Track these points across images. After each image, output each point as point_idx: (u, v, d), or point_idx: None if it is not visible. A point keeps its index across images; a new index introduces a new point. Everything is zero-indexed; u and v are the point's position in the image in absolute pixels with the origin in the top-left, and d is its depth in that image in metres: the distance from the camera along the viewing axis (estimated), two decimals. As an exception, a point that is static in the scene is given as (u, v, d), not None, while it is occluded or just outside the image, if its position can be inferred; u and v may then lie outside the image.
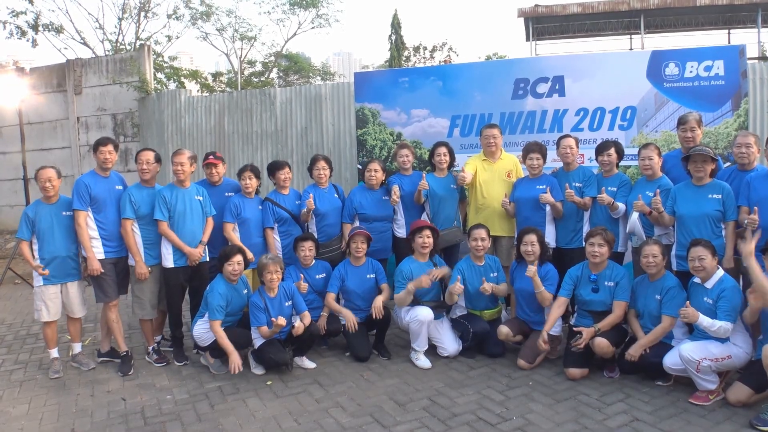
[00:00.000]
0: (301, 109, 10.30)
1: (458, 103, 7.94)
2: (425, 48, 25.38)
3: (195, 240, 6.04)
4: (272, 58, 20.88)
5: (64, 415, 4.97)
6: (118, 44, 18.40)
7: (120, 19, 18.63)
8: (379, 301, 6.03)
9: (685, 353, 4.87)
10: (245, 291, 5.96)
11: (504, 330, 5.93)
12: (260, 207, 6.56)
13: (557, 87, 7.62)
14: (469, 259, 6.24)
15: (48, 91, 13.65)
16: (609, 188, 6.08)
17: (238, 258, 5.77)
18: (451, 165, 6.84)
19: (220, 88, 18.89)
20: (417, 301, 5.97)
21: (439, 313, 6.12)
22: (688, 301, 4.91)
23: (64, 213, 5.86)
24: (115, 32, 18.82)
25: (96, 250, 5.84)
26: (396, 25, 24.13)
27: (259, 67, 20.99)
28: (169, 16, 19.12)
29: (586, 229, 6.18)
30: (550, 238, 6.35)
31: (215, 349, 5.74)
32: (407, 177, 6.81)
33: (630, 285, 5.54)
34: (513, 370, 5.72)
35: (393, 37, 24.17)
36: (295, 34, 29.07)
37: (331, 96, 10.09)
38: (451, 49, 25.34)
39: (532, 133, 7.66)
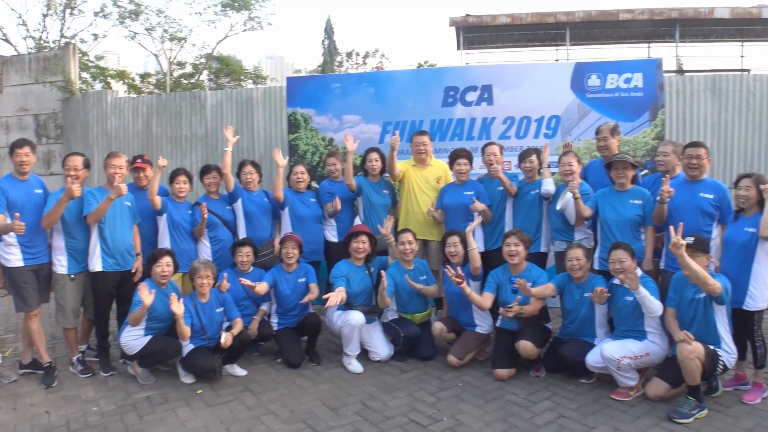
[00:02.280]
0: (232, 113, 10.16)
1: (390, 109, 8.00)
2: (358, 54, 25.61)
3: (124, 246, 5.89)
4: (203, 60, 20.56)
5: (-17, 430, 4.77)
6: (42, 42, 17.81)
7: (44, 16, 18.05)
8: (313, 290, 6.08)
9: (606, 352, 5.14)
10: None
11: (438, 326, 6.12)
12: (190, 212, 6.45)
13: (486, 96, 7.77)
14: (398, 263, 6.31)
15: (-34, 90, 13.06)
16: (532, 192, 6.34)
17: (167, 259, 5.67)
18: (383, 170, 6.90)
19: (148, 90, 18.48)
20: (349, 305, 5.98)
21: (371, 317, 6.14)
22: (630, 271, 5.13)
23: None
24: (39, 29, 18.25)
25: (14, 257, 5.60)
26: (329, 31, 24.22)
27: (189, 69, 20.63)
28: (96, 14, 18.63)
29: (508, 230, 6.34)
30: (479, 242, 6.45)
31: (143, 358, 5.60)
32: (337, 183, 6.86)
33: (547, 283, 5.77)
34: (444, 372, 5.82)
35: (326, 43, 24.24)
36: (226, 36, 28.65)
37: (263, 100, 9.99)
38: (383, 55, 25.75)
39: (461, 140, 7.79)
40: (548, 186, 6.19)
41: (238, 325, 5.76)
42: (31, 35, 18.18)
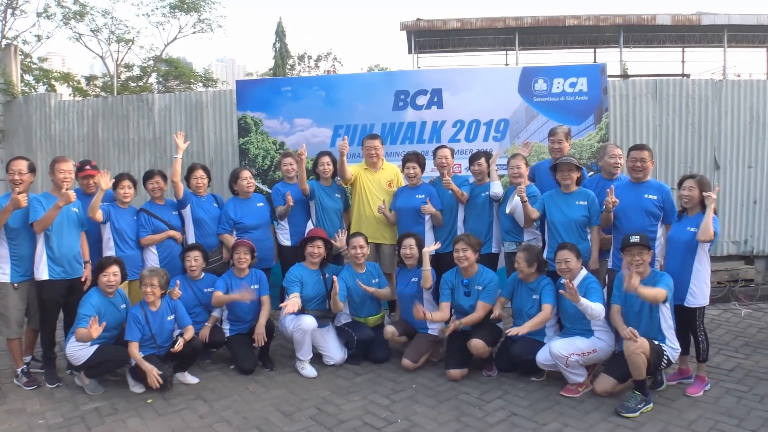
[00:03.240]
0: (180, 117, 10.00)
1: (341, 113, 8.01)
2: (310, 57, 25.44)
3: (72, 254, 5.75)
4: (151, 63, 20.23)
5: None
6: (-19, 43, 17.31)
7: (-16, 16, 17.55)
8: (261, 327, 5.99)
9: (554, 350, 5.30)
10: (123, 306, 5.73)
11: (390, 329, 6.14)
12: (135, 218, 6.34)
13: (436, 99, 7.88)
14: (350, 267, 6.36)
15: None
16: (482, 194, 6.46)
17: (114, 269, 5.56)
18: (334, 174, 6.92)
19: (94, 93, 18.09)
20: (302, 309, 5.96)
21: (324, 321, 6.13)
22: (570, 282, 5.20)
23: None
24: (-23, 30, 17.71)
25: None
26: (281, 33, 23.99)
27: (137, 72, 20.27)
28: (39, 15, 18.17)
29: (460, 233, 6.45)
30: (431, 244, 6.48)
31: (90, 368, 5.47)
32: (292, 185, 6.83)
33: (497, 289, 5.89)
34: (398, 375, 5.87)
35: (277, 45, 23.99)
36: (175, 39, 28.21)
37: (213, 103, 9.86)
38: (335, 59, 25.66)
39: (412, 143, 7.87)
40: (496, 189, 6.33)
41: (190, 332, 5.68)
42: (-31, 36, 17.68)
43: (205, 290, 6.15)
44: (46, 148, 10.32)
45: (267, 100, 8.16)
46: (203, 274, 6.21)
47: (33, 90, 14.56)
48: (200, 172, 6.65)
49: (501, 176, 6.58)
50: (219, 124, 9.75)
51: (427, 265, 5.97)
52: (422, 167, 6.71)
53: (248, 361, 5.97)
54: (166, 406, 5.22)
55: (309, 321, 5.90)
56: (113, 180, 6.06)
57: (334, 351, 6.15)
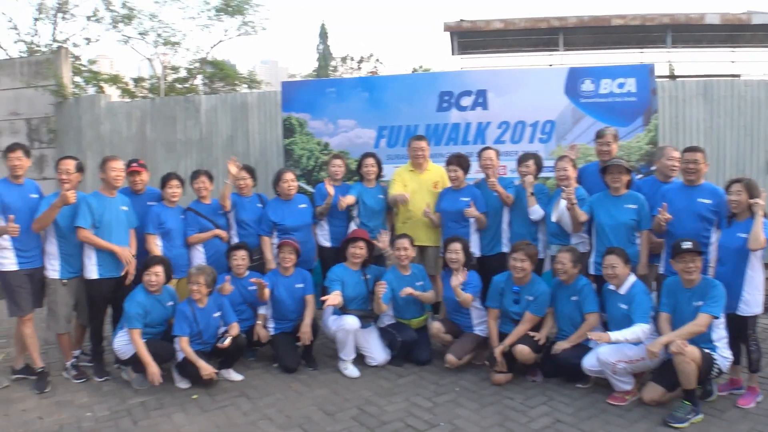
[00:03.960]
0: (226, 118, 10.12)
1: (385, 114, 8.02)
2: (353, 58, 25.37)
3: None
4: (197, 65, 20.47)
5: (-25, 437, 4.72)
6: (34, 46, 17.69)
7: (36, 20, 17.92)
8: (307, 326, 5.99)
9: (602, 356, 5.14)
10: (170, 303, 5.80)
11: (436, 325, 6.10)
12: (182, 216, 6.42)
13: (480, 100, 7.85)
14: (395, 269, 6.30)
15: (-43, 94, 12.97)
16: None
17: (157, 269, 5.63)
18: (378, 175, 6.93)
19: (141, 94, 18.34)
20: (344, 309, 5.96)
21: (367, 322, 6.11)
22: (595, 332, 5.21)
23: None
24: (30, 33, 18.08)
25: (8, 261, 5.56)
26: (324, 36, 24.00)
27: (183, 74, 20.51)
28: (88, 18, 18.46)
29: (506, 235, 6.40)
30: (475, 247, 6.49)
31: (137, 363, 5.53)
32: (338, 187, 6.80)
33: (547, 302, 5.75)
34: (441, 377, 5.79)
35: (321, 47, 24.00)
36: (220, 41, 28.48)
37: (258, 104, 9.96)
38: (378, 60, 25.45)
39: (456, 144, 7.83)
40: (535, 215, 6.23)
41: (235, 329, 5.73)
42: (23, 39, 18.04)
43: (250, 288, 6.18)
44: (96, 148, 10.52)
45: (312, 102, 8.20)
46: (248, 272, 6.23)
47: (83, 91, 14.82)
48: (243, 173, 6.68)
49: (546, 179, 6.45)
50: (264, 125, 9.85)
51: (461, 296, 5.87)
52: (465, 170, 6.59)
53: (291, 359, 5.98)
54: (210, 402, 5.27)
55: (352, 321, 5.89)
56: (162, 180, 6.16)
57: (377, 352, 6.13)
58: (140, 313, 5.50)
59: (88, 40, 18.68)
